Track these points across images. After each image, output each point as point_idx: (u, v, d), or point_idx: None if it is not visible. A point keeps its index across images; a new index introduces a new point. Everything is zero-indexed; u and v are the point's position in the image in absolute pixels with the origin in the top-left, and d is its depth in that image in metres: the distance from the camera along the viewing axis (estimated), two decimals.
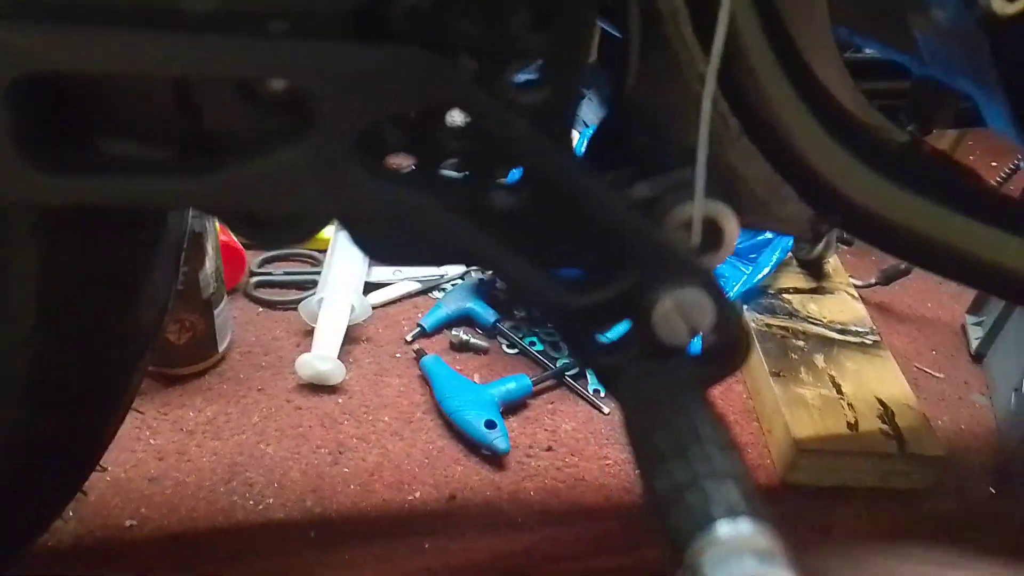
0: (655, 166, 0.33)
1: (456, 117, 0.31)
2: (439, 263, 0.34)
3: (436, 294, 1.13)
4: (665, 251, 0.31)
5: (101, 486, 0.80)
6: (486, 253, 0.31)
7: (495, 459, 0.88)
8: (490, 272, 0.34)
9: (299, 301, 1.04)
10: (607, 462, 0.90)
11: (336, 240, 1.12)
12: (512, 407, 0.95)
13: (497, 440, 0.87)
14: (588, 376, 1.00)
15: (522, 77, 0.31)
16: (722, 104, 0.35)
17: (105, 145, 0.28)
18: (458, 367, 0.99)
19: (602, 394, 0.98)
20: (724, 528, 0.23)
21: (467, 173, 0.32)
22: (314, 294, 1.03)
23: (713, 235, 0.33)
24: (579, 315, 0.33)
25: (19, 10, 0.26)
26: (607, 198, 0.31)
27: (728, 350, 0.33)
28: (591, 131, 0.41)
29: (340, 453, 0.88)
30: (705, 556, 0.23)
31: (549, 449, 0.91)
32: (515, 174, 0.34)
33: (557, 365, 1.00)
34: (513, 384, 0.95)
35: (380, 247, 0.32)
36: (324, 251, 1.14)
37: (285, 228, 0.30)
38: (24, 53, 0.26)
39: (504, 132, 0.29)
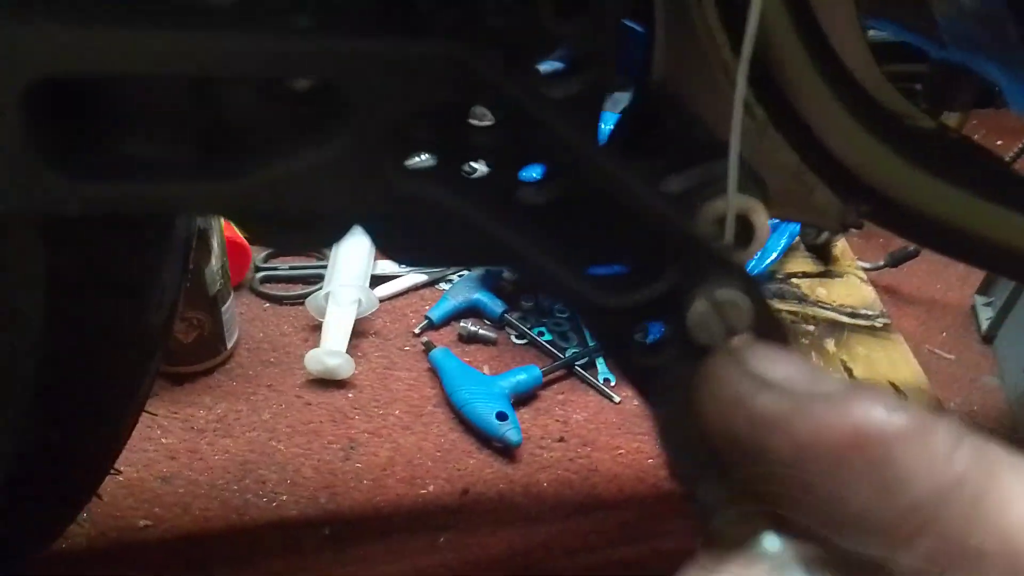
0: (682, 158, 0.33)
1: (482, 113, 0.30)
2: (468, 264, 0.33)
3: (443, 286, 1.12)
4: (701, 248, 0.30)
5: (113, 487, 0.80)
6: (518, 252, 0.31)
7: (507, 451, 0.88)
8: (521, 273, 0.33)
9: (306, 296, 1.04)
10: (620, 452, 0.89)
11: None
12: (523, 398, 0.94)
13: (509, 432, 0.87)
14: (598, 365, 1.00)
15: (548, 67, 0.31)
16: (747, 93, 0.34)
17: (122, 145, 0.28)
18: (467, 359, 0.99)
19: (612, 383, 0.97)
20: (768, 543, 0.22)
21: (492, 170, 0.32)
22: (320, 288, 1.03)
23: (743, 230, 0.32)
24: (615, 316, 0.32)
25: (29, 9, 0.25)
26: (642, 193, 0.30)
27: None
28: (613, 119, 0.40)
29: (352, 449, 0.88)
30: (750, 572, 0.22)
31: (561, 440, 0.90)
32: (541, 170, 0.33)
33: (566, 355, 0.99)
34: (523, 375, 0.94)
35: (406, 249, 0.31)
36: None
37: (309, 232, 0.29)
38: (40, 55, 0.25)
39: (535, 127, 0.29)
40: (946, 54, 0.44)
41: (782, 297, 1.08)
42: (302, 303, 1.04)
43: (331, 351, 0.94)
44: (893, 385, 0.95)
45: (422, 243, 0.31)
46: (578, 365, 0.98)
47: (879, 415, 0.21)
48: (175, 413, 0.90)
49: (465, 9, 0.29)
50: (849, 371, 0.97)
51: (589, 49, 0.30)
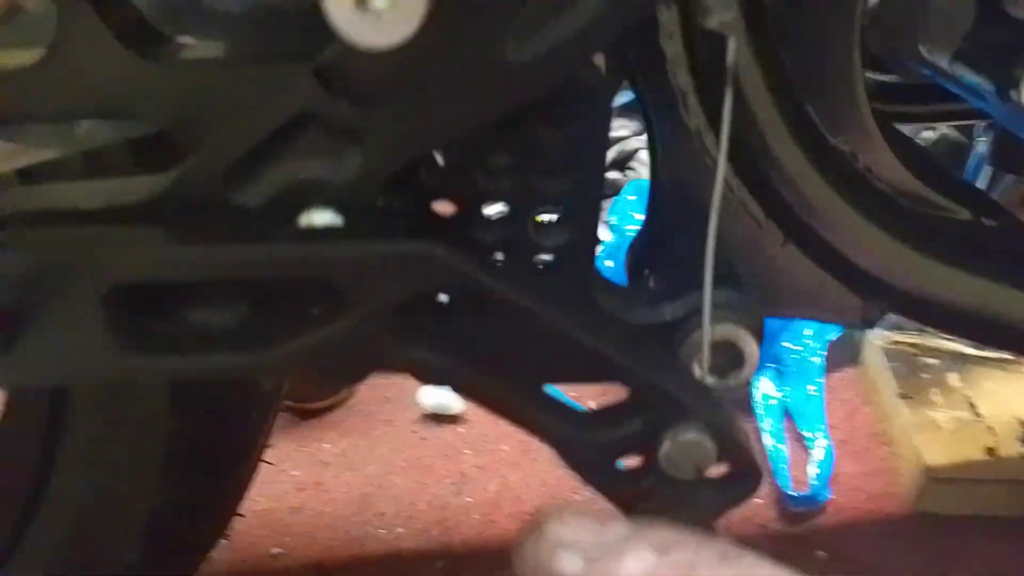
0: (683, 282, 0.34)
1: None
2: None
3: None
4: (665, 394, 0.33)
5: (250, 516, 0.88)
6: (508, 401, 0.35)
7: None
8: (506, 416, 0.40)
9: None
10: None
11: None
12: None
13: None
14: None
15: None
16: (756, 209, 0.36)
17: (185, 311, 0.34)
18: (573, 395, 1.01)
19: None
20: None
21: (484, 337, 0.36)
22: None
23: (736, 355, 0.34)
24: (596, 449, 0.35)
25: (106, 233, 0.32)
26: (613, 349, 0.33)
27: (741, 479, 0.34)
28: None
29: (463, 484, 0.92)
30: None
31: None
32: None
33: None
34: None
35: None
36: None
37: (329, 383, 0.34)
38: (117, 268, 0.31)
39: (510, 308, 0.33)
40: (1008, 125, 0.43)
41: (900, 328, 1.03)
42: None
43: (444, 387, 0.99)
44: (1022, 423, 0.90)
45: None
46: None
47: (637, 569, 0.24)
48: (303, 447, 0.98)
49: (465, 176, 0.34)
50: (973, 407, 0.92)
51: (579, 200, 0.33)
